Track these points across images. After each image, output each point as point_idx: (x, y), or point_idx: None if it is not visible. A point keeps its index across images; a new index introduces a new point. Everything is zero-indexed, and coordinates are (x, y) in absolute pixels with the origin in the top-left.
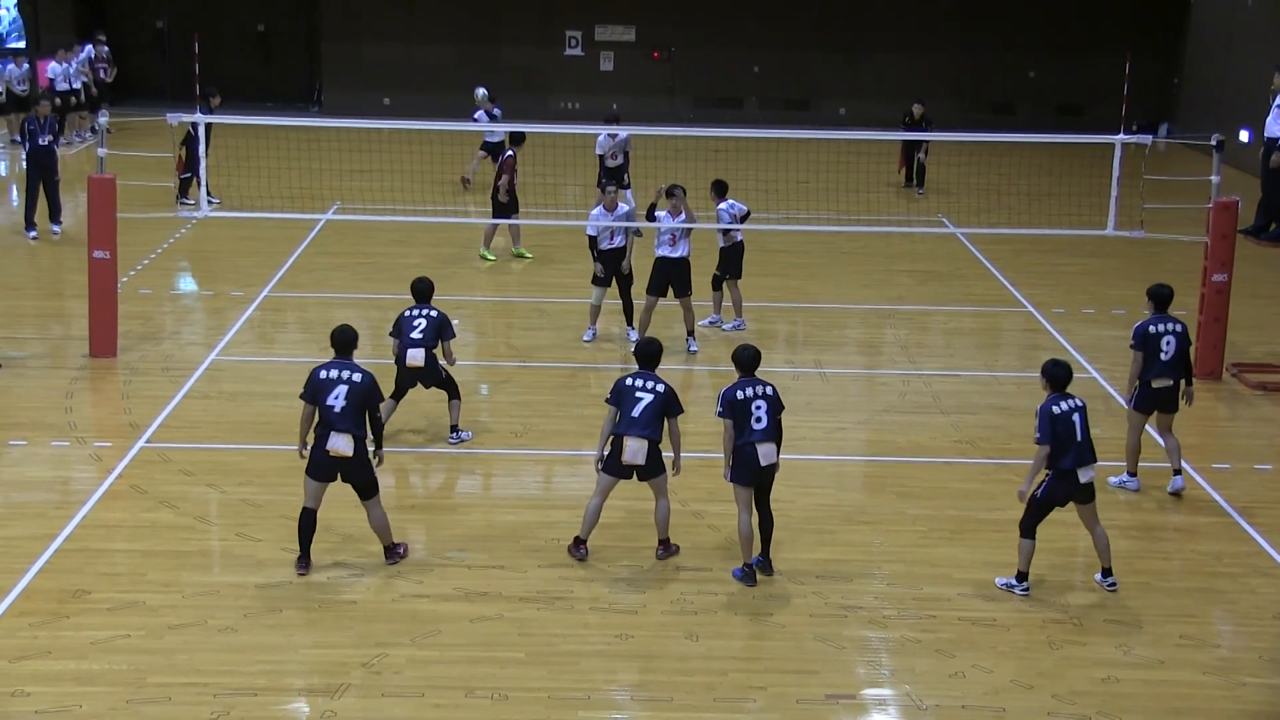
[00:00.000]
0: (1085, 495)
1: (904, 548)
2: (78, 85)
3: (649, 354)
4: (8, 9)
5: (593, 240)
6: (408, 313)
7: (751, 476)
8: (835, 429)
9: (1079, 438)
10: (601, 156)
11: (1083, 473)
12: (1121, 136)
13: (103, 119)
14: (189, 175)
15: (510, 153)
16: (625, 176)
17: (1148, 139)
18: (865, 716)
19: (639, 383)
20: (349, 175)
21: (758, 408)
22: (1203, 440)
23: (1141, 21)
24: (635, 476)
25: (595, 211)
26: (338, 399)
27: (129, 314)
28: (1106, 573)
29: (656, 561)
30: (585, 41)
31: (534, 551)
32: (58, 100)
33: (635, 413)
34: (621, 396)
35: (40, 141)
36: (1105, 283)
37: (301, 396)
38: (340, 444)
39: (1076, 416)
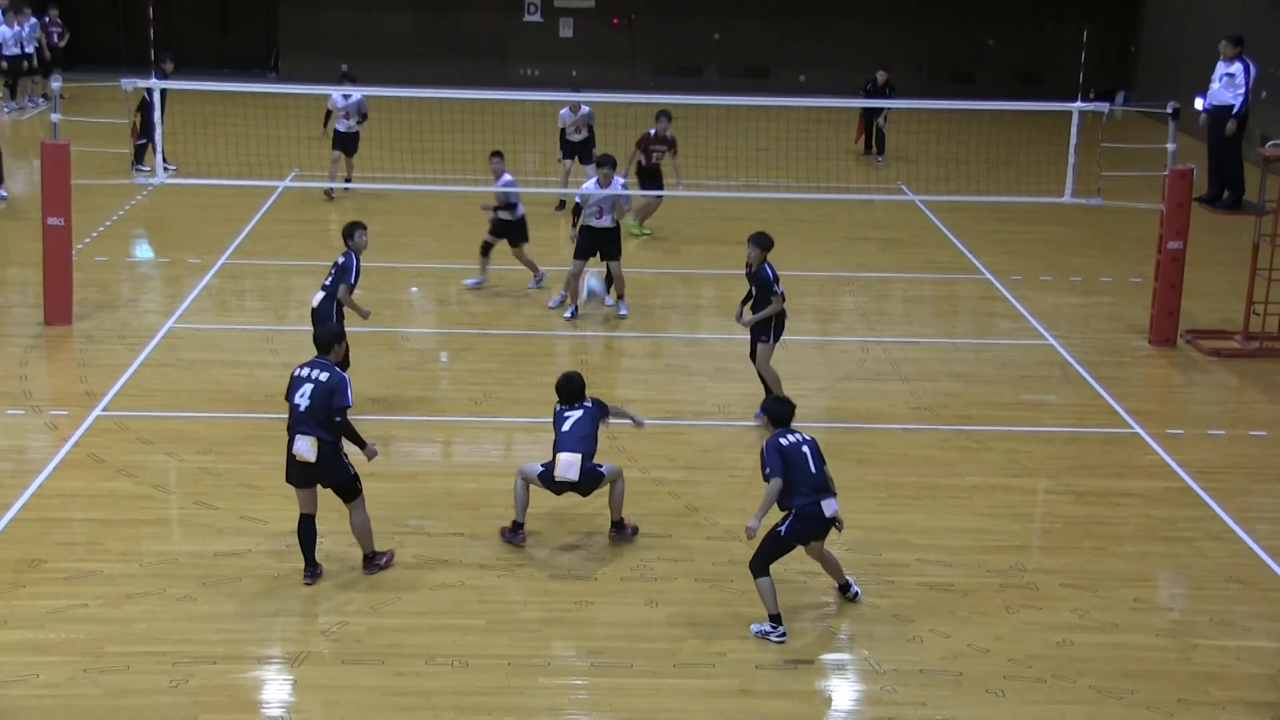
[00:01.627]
0: (827, 529)
1: (863, 514)
2: (30, 50)
3: (570, 391)
4: None
5: (578, 209)
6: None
7: None
8: (795, 396)
9: (813, 469)
10: (563, 130)
11: (826, 505)
12: (1079, 104)
13: (56, 84)
14: (144, 142)
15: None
16: (591, 152)
17: (1105, 107)
18: (824, 681)
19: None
20: (307, 142)
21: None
22: (1158, 406)
23: None
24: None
25: (589, 185)
26: (303, 398)
27: (84, 281)
28: (844, 587)
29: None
30: (545, 8)
31: (494, 519)
32: (3, 64)
33: (565, 429)
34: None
35: None
36: (1063, 250)
37: (286, 398)
38: (302, 447)
39: (806, 448)
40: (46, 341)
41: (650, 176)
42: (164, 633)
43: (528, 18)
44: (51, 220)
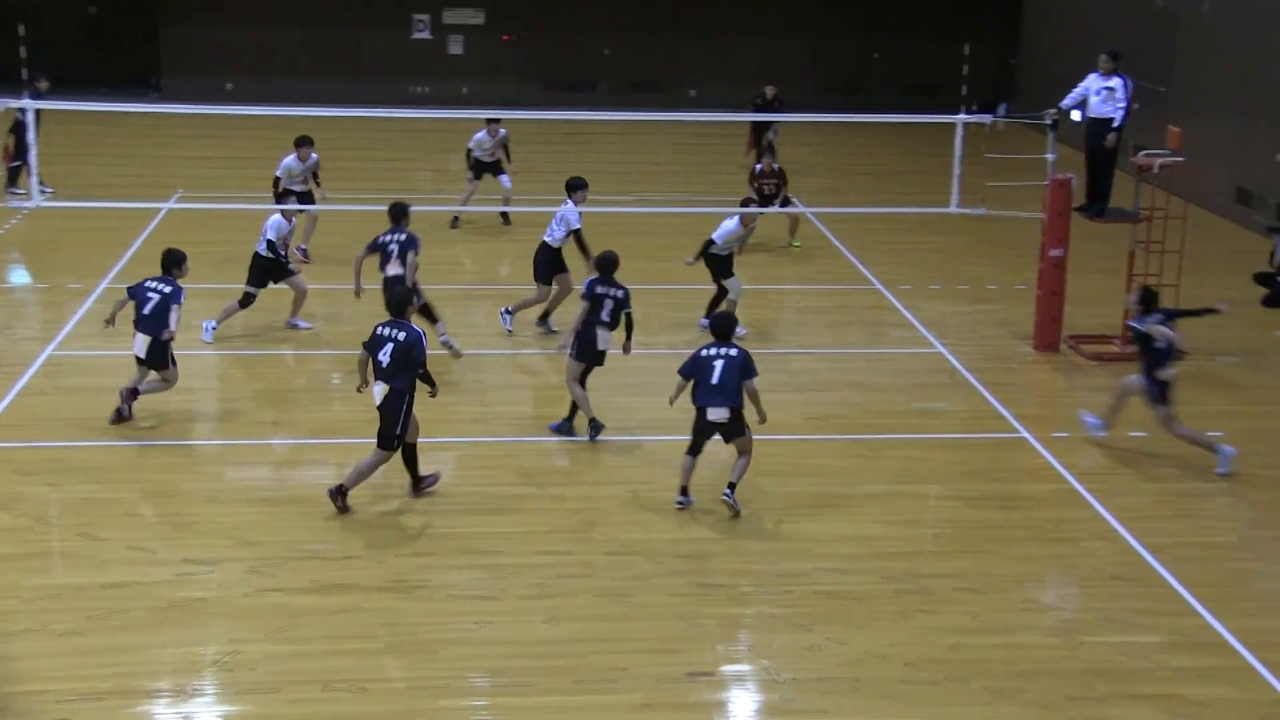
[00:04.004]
0: (722, 433)
1: (761, 524)
2: None
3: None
4: None
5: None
6: (381, 237)
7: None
8: (692, 408)
9: (714, 380)
10: (471, 149)
11: (710, 411)
12: (962, 116)
13: None
14: (18, 164)
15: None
16: (502, 173)
17: (987, 119)
18: (725, 692)
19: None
20: (191, 162)
21: (607, 304)
22: (1043, 411)
23: (982, 3)
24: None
25: (570, 211)
26: (385, 355)
27: None
28: (730, 487)
29: (515, 546)
30: (434, 25)
31: (391, 541)
32: None
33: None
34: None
35: None
36: (950, 259)
37: (364, 345)
38: (377, 392)
39: (719, 362)
40: None
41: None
42: (47, 670)
43: (416, 35)
44: None
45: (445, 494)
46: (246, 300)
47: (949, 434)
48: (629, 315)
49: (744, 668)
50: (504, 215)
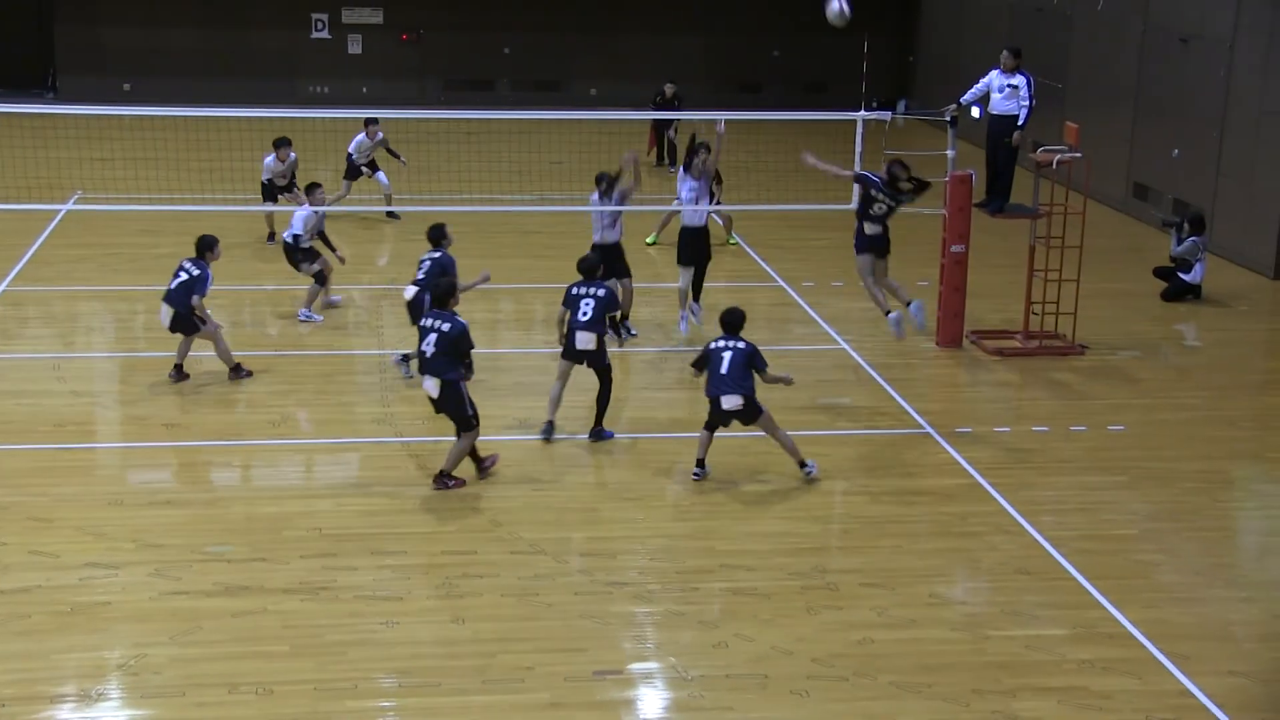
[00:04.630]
0: (740, 418)
1: (665, 522)
2: None
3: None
4: None
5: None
6: (422, 258)
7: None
8: (592, 409)
9: (722, 371)
10: (351, 154)
11: (724, 400)
12: (862, 113)
13: None
14: None
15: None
16: (379, 171)
17: (887, 115)
18: (632, 690)
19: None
20: (90, 164)
21: (585, 304)
22: (946, 406)
23: (878, 1)
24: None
25: (594, 196)
26: (429, 345)
27: None
28: (802, 464)
29: (420, 547)
30: (332, 24)
31: (296, 542)
32: None
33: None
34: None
35: None
36: (852, 256)
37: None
38: (429, 386)
39: (727, 354)
40: None
41: None
42: None
43: (315, 34)
44: None
45: (350, 496)
46: (320, 278)
47: (853, 430)
48: (613, 317)
49: (651, 665)
50: (390, 212)
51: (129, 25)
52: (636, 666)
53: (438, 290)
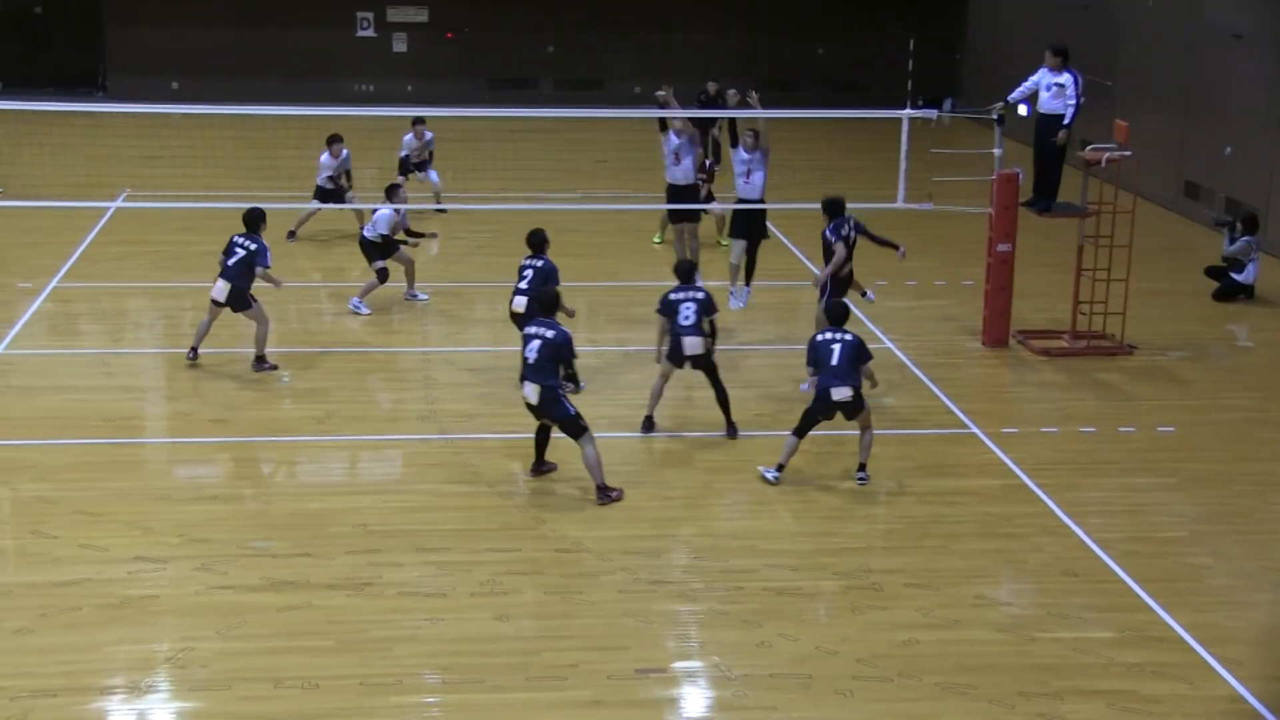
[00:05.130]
0: (844, 411)
1: (709, 521)
2: None
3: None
4: None
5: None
6: (523, 263)
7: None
8: (640, 405)
9: (834, 362)
10: (405, 157)
11: (835, 391)
12: (908, 111)
13: None
14: None
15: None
16: (430, 169)
17: (933, 114)
18: (675, 689)
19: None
20: (137, 162)
21: (685, 308)
22: (991, 406)
23: None
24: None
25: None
26: (531, 352)
27: None
28: (861, 468)
29: (464, 544)
30: (377, 23)
31: (341, 538)
32: None
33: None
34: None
35: None
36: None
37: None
38: (528, 392)
39: (837, 345)
40: None
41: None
42: (1, 667)
43: (360, 33)
44: None
45: (394, 492)
46: (384, 274)
47: (897, 429)
48: (712, 321)
49: (694, 664)
50: (440, 209)
51: (177, 25)
52: (679, 665)
53: (544, 299)
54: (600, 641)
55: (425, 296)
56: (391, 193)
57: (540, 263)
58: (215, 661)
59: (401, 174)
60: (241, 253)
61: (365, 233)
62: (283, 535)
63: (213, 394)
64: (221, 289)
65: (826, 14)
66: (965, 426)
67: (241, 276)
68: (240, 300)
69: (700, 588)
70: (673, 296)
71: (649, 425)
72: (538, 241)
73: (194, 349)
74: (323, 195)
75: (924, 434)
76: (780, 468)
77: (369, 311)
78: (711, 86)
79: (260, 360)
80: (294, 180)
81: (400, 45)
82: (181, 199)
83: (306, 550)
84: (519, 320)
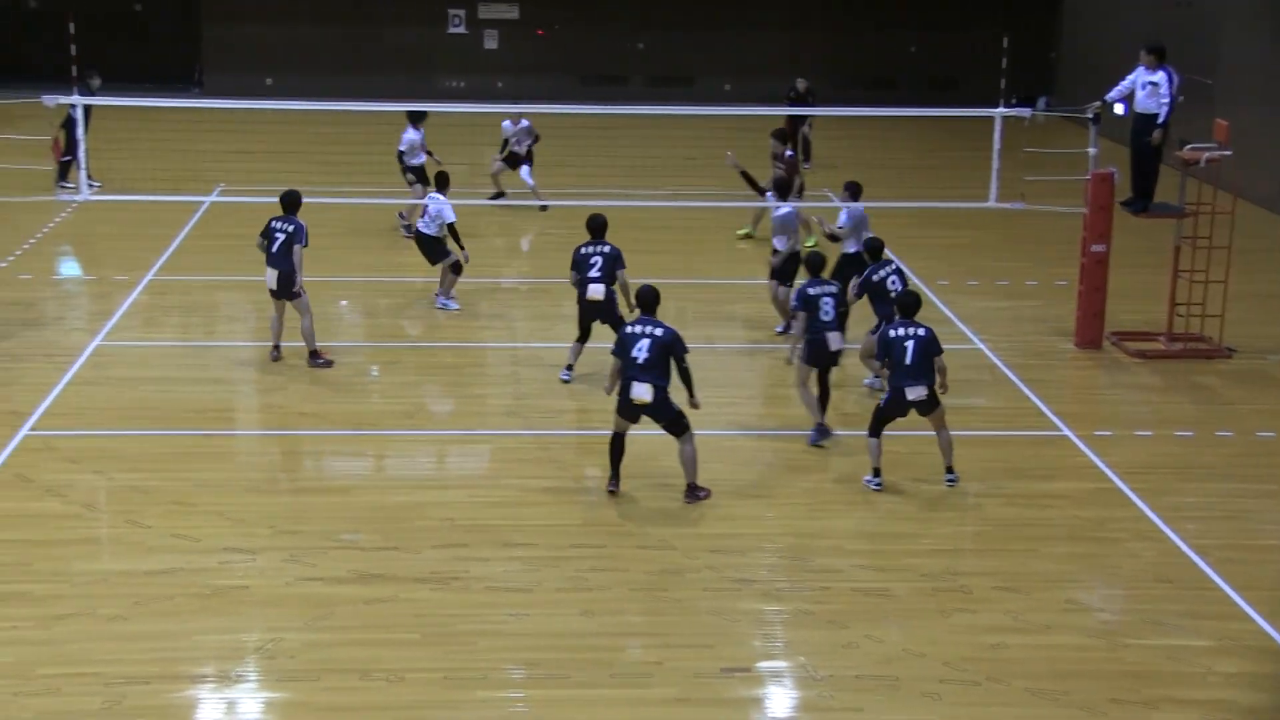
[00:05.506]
0: (920, 409)
1: (796, 520)
2: None
3: (649, 300)
4: None
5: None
6: (583, 249)
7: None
8: (726, 404)
9: (908, 361)
10: (507, 140)
11: (910, 391)
12: (1001, 110)
13: None
14: (69, 159)
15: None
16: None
17: (1026, 112)
18: (760, 689)
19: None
20: (232, 157)
21: (825, 303)
22: (1084, 408)
23: None
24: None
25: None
26: (641, 351)
27: (9, 300)
28: (949, 469)
29: (550, 540)
30: (469, 19)
31: (427, 532)
32: None
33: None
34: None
35: None
36: (988, 254)
37: (613, 353)
38: (641, 391)
39: (910, 343)
40: None
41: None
42: (95, 653)
43: (452, 30)
44: None
45: (481, 487)
46: (458, 267)
47: (987, 431)
48: (843, 314)
49: (780, 664)
50: (542, 206)
51: (272, 22)
52: (765, 665)
53: (645, 298)
54: (685, 639)
55: (456, 306)
56: (443, 183)
57: (607, 248)
58: (303, 652)
59: (512, 166)
60: (281, 236)
61: (423, 228)
62: (370, 528)
63: (303, 387)
64: (271, 278)
65: (919, 10)
66: (1057, 429)
67: (285, 259)
68: (287, 285)
69: (786, 587)
70: (811, 291)
71: (824, 433)
72: (600, 226)
73: (276, 347)
74: (419, 175)
75: (1015, 435)
76: (877, 472)
77: (458, 306)
78: (800, 84)
79: (314, 355)
80: (384, 175)
81: (491, 42)
82: (275, 194)
83: (394, 544)
84: (596, 309)
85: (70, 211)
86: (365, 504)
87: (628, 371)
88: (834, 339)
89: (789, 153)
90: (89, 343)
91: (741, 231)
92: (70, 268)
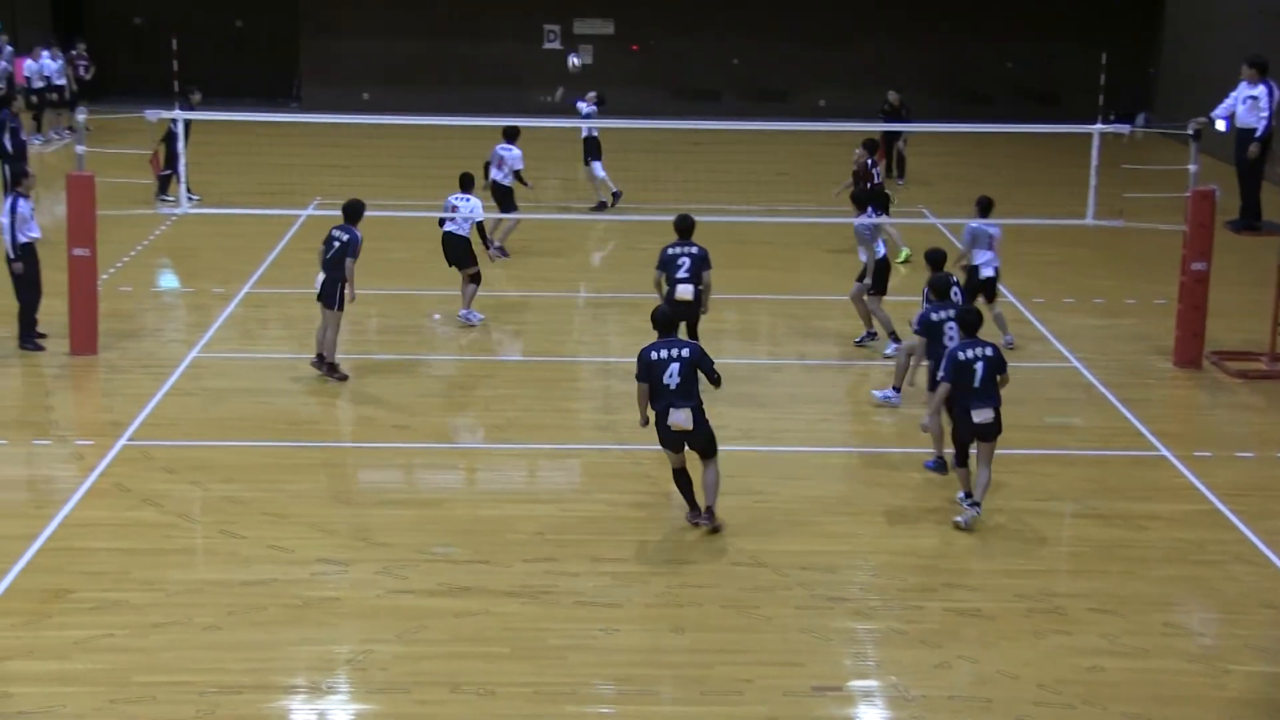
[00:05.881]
0: (984, 434)
1: (888, 539)
2: (61, 83)
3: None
4: None
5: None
6: (671, 250)
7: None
8: (819, 420)
9: (977, 384)
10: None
11: (976, 414)
12: (1099, 126)
13: (81, 116)
14: (169, 172)
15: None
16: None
17: (1125, 128)
18: (852, 708)
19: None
20: (329, 170)
21: (950, 329)
22: (1185, 428)
23: (1118, 11)
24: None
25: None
26: (672, 377)
27: (109, 311)
28: (968, 494)
29: (641, 555)
30: (564, 35)
31: (518, 546)
32: (32, 98)
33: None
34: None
35: (22, 138)
36: (1085, 272)
37: (638, 378)
38: (680, 418)
39: (979, 365)
40: (72, 372)
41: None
42: (190, 662)
43: (547, 45)
44: (77, 251)
45: (572, 501)
46: (478, 277)
47: (1083, 450)
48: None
49: (871, 683)
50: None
51: (369, 37)
52: (856, 684)
53: (663, 319)
54: (776, 657)
55: (480, 317)
56: (469, 184)
57: (694, 249)
58: (394, 665)
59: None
60: (337, 245)
61: (455, 229)
62: (462, 541)
63: (395, 400)
64: (318, 281)
65: (1017, 26)
66: (1155, 449)
67: (335, 268)
68: (330, 293)
69: (878, 605)
70: (934, 316)
71: (943, 466)
72: (688, 227)
73: (319, 356)
74: (502, 196)
75: (1112, 455)
76: (968, 494)
77: (482, 317)
78: (893, 96)
79: (333, 368)
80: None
81: (586, 57)
82: (372, 208)
83: (485, 557)
84: (685, 310)
85: (170, 225)
86: (457, 517)
87: (662, 399)
88: None
89: (867, 160)
90: (186, 354)
91: (901, 257)
92: (169, 280)
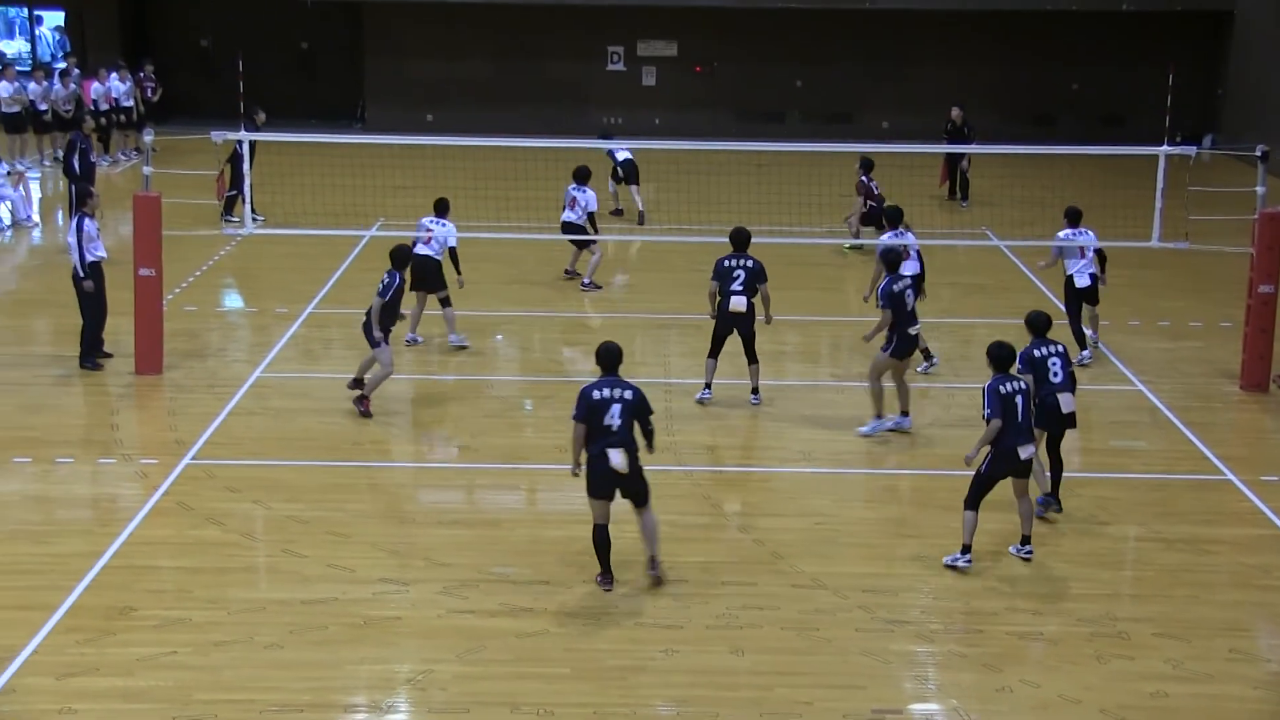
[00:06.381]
0: (1023, 470)
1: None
2: (128, 104)
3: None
4: (52, 31)
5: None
6: (727, 262)
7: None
8: (879, 442)
9: (1019, 418)
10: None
11: (1022, 450)
12: (1165, 148)
13: (148, 137)
14: (234, 193)
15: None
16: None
17: (1192, 150)
18: None
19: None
20: (393, 191)
21: (1053, 364)
22: (1250, 452)
23: (1184, 32)
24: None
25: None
26: (614, 418)
27: (174, 331)
28: (1025, 540)
29: (700, 576)
30: (627, 56)
31: (579, 567)
32: (102, 120)
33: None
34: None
35: (91, 159)
36: (1150, 294)
37: (575, 418)
38: (618, 460)
39: (1019, 398)
40: (137, 391)
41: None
42: (251, 680)
43: (610, 67)
44: (143, 271)
45: (632, 522)
46: (448, 301)
47: (1147, 474)
48: (1072, 372)
49: (932, 706)
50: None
51: (433, 59)
52: (917, 707)
53: (607, 356)
54: (836, 679)
55: (467, 343)
56: (444, 209)
57: (750, 262)
58: (454, 685)
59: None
60: (380, 286)
61: (431, 250)
62: (522, 562)
63: (458, 420)
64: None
65: (1081, 47)
66: (1221, 473)
67: (370, 311)
68: (366, 332)
69: (939, 629)
70: (1037, 353)
71: (1049, 503)
72: (745, 239)
73: (356, 378)
74: (576, 234)
75: (1176, 479)
76: (966, 549)
77: (469, 342)
78: (955, 113)
79: (360, 399)
80: (544, 211)
81: (649, 79)
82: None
83: (545, 577)
84: (737, 321)
85: (234, 245)
86: (517, 537)
87: (600, 441)
88: (1066, 400)
89: (863, 178)
90: (250, 374)
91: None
92: (233, 300)
